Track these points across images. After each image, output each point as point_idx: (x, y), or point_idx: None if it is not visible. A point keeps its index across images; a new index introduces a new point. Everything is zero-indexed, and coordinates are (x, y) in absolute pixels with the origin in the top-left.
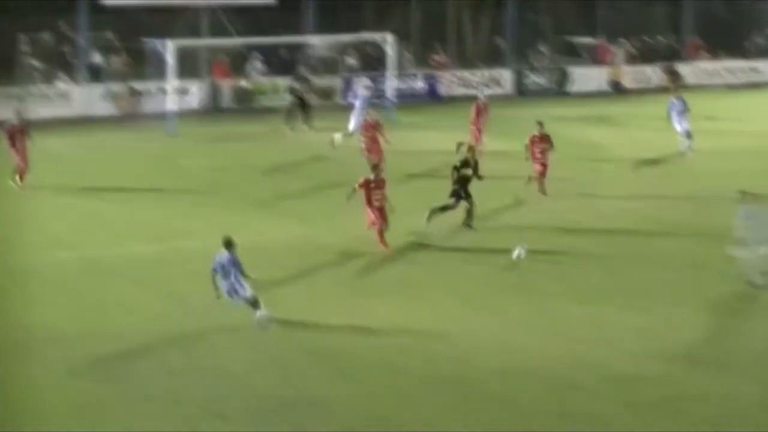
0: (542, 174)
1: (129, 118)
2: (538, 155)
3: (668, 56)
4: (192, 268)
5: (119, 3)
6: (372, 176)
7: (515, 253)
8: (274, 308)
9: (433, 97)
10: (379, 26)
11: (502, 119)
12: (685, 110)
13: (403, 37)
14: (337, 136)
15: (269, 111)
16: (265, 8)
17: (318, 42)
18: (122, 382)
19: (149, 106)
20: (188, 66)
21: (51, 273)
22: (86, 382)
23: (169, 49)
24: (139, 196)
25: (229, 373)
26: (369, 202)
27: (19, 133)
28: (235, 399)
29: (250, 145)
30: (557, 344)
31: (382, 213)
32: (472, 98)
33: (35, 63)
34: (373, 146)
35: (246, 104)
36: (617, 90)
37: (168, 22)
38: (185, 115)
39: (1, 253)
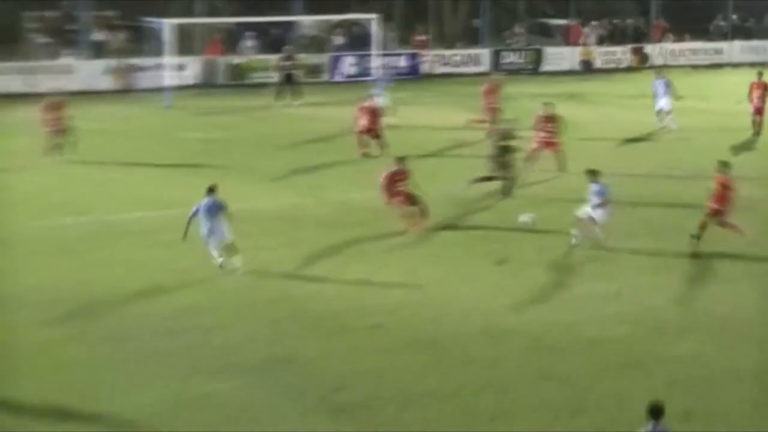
0: (554, 151)
1: (128, 91)
2: (543, 134)
3: (636, 38)
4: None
5: None
6: (395, 169)
7: (522, 218)
8: (267, 274)
9: (415, 74)
10: (364, 7)
11: (478, 96)
12: (667, 89)
13: (386, 17)
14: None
15: (260, 86)
16: None
17: (307, 21)
18: (117, 342)
19: (148, 81)
20: (184, 43)
21: (54, 237)
22: (82, 342)
23: (167, 27)
24: (139, 165)
25: (223, 335)
26: (391, 195)
27: (55, 108)
28: (229, 358)
29: (243, 118)
30: (531, 309)
31: (408, 197)
32: (450, 75)
33: (40, 39)
34: (372, 129)
35: (239, 80)
36: (588, 69)
37: (165, 2)
38: (182, 89)
39: (7, 218)
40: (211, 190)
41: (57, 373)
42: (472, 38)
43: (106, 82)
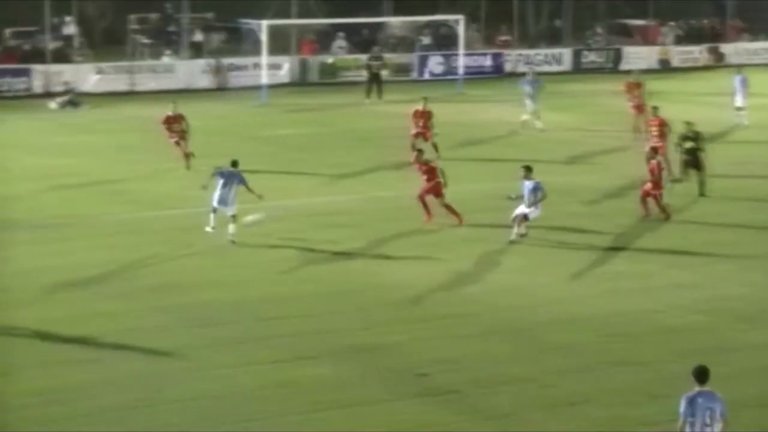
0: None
1: (225, 90)
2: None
3: (712, 37)
4: (287, 226)
5: None
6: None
7: (249, 219)
8: (355, 264)
9: (498, 73)
10: (451, 8)
11: (561, 94)
12: (743, 86)
13: (472, 18)
14: (538, 123)
15: (351, 84)
16: None
17: (395, 22)
18: (213, 327)
19: (244, 79)
20: (279, 43)
21: (152, 228)
22: (186, 327)
23: (263, 28)
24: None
25: (314, 322)
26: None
27: (174, 122)
28: (319, 344)
29: (333, 115)
30: (606, 297)
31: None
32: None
33: (143, 40)
34: (424, 132)
35: (330, 78)
36: (665, 68)
37: (261, 3)
38: (276, 87)
39: (117, 212)
40: (234, 163)
41: (158, 357)
42: (553, 38)
43: (204, 81)
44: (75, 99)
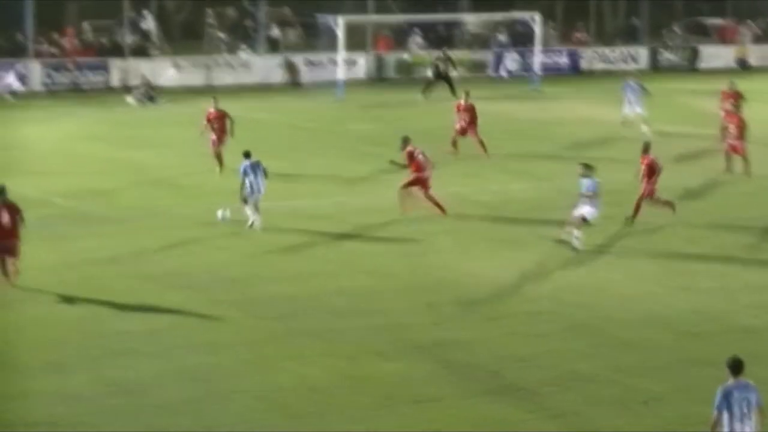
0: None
1: (302, 85)
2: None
3: None
4: (361, 220)
5: None
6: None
7: (220, 214)
8: (428, 259)
9: (574, 70)
10: (527, 5)
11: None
12: None
13: (548, 15)
14: (644, 127)
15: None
16: None
17: (471, 19)
18: (291, 320)
19: (320, 75)
20: (355, 39)
21: (231, 221)
22: (258, 319)
23: (340, 24)
24: (311, 154)
25: (386, 317)
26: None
27: (215, 119)
28: (392, 340)
29: (408, 111)
30: (681, 296)
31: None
32: (608, 72)
33: (220, 35)
34: (469, 128)
35: (406, 75)
36: (743, 67)
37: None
38: (352, 83)
39: (192, 206)
40: (247, 155)
41: (231, 349)
42: (630, 36)
43: (281, 76)
44: (152, 93)
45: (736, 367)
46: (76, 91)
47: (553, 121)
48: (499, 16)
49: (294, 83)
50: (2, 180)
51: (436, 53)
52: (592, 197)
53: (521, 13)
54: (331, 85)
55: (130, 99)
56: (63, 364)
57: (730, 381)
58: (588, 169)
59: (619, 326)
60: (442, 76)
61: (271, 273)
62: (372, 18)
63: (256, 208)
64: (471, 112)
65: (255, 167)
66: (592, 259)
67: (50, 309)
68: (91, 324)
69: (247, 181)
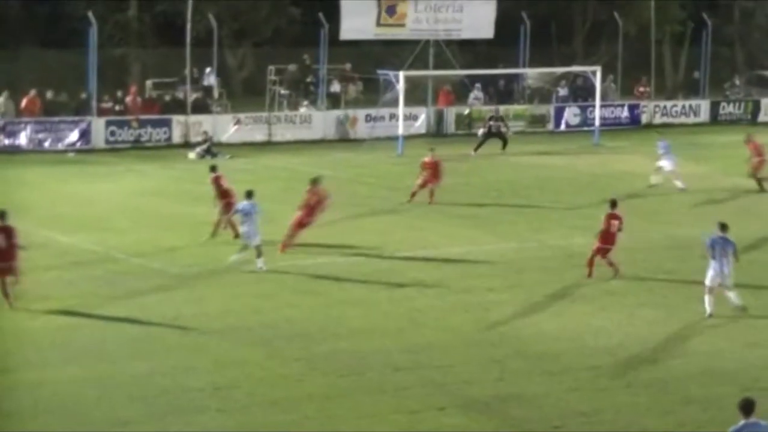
0: None
1: (362, 140)
2: None
3: None
4: (424, 275)
5: (355, 37)
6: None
7: (233, 258)
8: (493, 314)
9: (635, 124)
10: (587, 60)
11: (699, 145)
12: None
13: (609, 69)
14: (678, 183)
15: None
16: (485, 42)
17: (532, 73)
18: (354, 376)
19: (381, 130)
20: (415, 94)
21: (296, 276)
22: (325, 376)
23: (400, 78)
24: (371, 210)
25: (449, 372)
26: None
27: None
28: (458, 395)
29: (470, 166)
30: (749, 351)
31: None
32: (669, 125)
33: (282, 91)
34: (430, 181)
35: (466, 129)
36: None
37: (398, 53)
38: (412, 138)
39: (255, 261)
40: (249, 195)
41: (296, 406)
42: (691, 89)
43: (342, 132)
44: (213, 149)
45: (747, 408)
46: (138, 147)
47: (613, 175)
48: (559, 69)
49: (349, 138)
50: (67, 236)
51: (491, 109)
52: (726, 257)
53: (582, 67)
54: (391, 139)
55: (191, 155)
56: (129, 421)
57: (741, 422)
58: (724, 227)
59: (682, 381)
60: (494, 134)
61: (336, 328)
62: (432, 73)
63: (258, 251)
64: (435, 168)
65: (251, 211)
66: (655, 314)
67: (115, 366)
68: (156, 380)
69: (242, 227)
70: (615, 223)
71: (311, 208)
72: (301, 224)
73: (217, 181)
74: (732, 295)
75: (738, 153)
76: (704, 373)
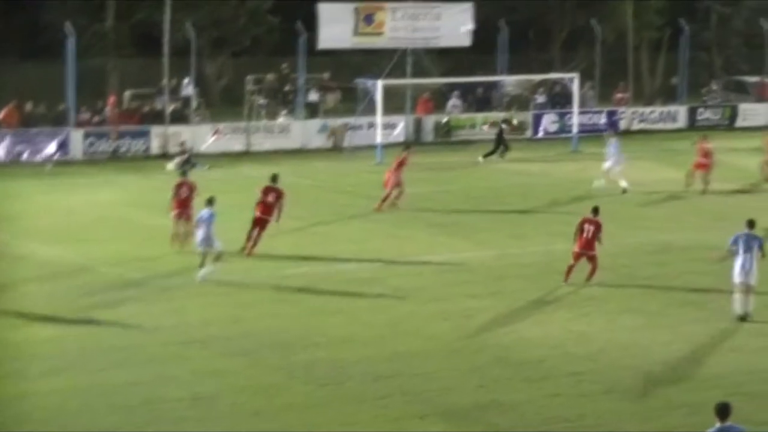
0: None
1: (341, 149)
2: None
3: None
4: (397, 284)
5: (333, 46)
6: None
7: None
8: (473, 321)
9: (613, 131)
10: (565, 67)
11: (676, 151)
12: None
13: (586, 76)
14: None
15: (467, 144)
16: (463, 50)
17: (510, 80)
18: (336, 385)
19: (359, 139)
20: (394, 102)
21: (276, 286)
22: (305, 385)
23: (378, 87)
24: (351, 218)
25: (430, 380)
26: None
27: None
28: (439, 403)
29: (449, 174)
30: (731, 356)
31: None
32: (647, 132)
33: (260, 100)
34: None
35: (445, 137)
36: None
37: (376, 62)
38: (391, 146)
39: (235, 271)
40: (209, 202)
41: (277, 415)
42: (669, 95)
43: (320, 141)
44: (193, 159)
45: (723, 412)
46: (116, 158)
47: (592, 181)
48: (537, 77)
49: (339, 147)
50: (47, 247)
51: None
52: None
53: (559, 74)
54: (370, 148)
55: (170, 165)
56: (111, 431)
57: (717, 425)
58: (752, 225)
59: (663, 387)
60: (503, 139)
61: (315, 337)
62: (410, 81)
63: (217, 258)
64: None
65: (208, 219)
66: (637, 320)
67: (96, 377)
68: (137, 390)
69: (198, 233)
70: (588, 227)
71: (268, 206)
72: (259, 222)
73: (178, 187)
74: (743, 298)
75: (716, 159)
76: (686, 379)
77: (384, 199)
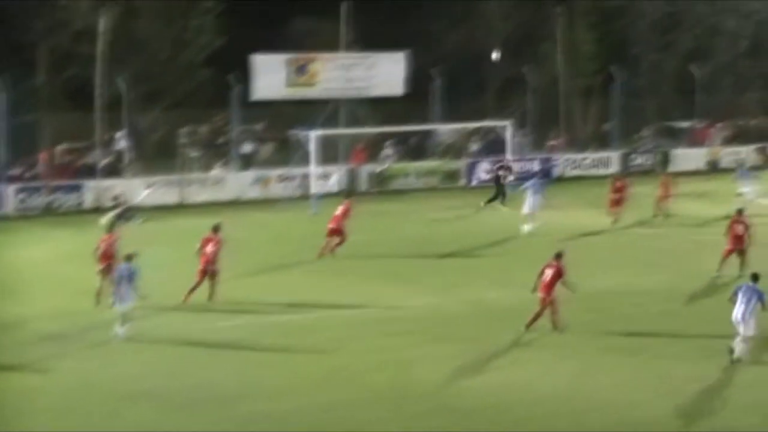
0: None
1: (276, 200)
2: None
3: (760, 137)
4: (330, 334)
5: (266, 97)
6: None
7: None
8: (412, 371)
9: (547, 177)
10: (499, 114)
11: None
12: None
13: (520, 123)
14: (525, 227)
15: (402, 192)
16: (396, 99)
17: (444, 129)
18: None
19: (294, 189)
20: (329, 152)
21: (213, 338)
22: None
23: (312, 138)
24: (287, 269)
25: (370, 429)
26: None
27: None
28: None
29: (384, 223)
30: (667, 400)
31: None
32: (581, 178)
33: (194, 153)
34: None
35: (380, 186)
36: (714, 169)
37: (311, 112)
38: (326, 197)
39: (172, 324)
40: (129, 257)
41: None
42: (602, 141)
43: (255, 192)
44: (128, 213)
45: (755, 276)
46: (49, 213)
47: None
48: (471, 125)
49: (274, 198)
50: None
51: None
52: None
53: (493, 122)
54: (304, 199)
55: (103, 220)
56: None
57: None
58: (756, 279)
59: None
60: (500, 184)
61: (253, 389)
62: (344, 132)
63: (123, 318)
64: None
65: (125, 274)
66: (574, 365)
67: None
68: None
69: (115, 291)
70: (548, 272)
71: (211, 256)
72: (204, 272)
73: (105, 242)
74: (740, 346)
75: (648, 202)
76: (621, 424)
77: (325, 246)
